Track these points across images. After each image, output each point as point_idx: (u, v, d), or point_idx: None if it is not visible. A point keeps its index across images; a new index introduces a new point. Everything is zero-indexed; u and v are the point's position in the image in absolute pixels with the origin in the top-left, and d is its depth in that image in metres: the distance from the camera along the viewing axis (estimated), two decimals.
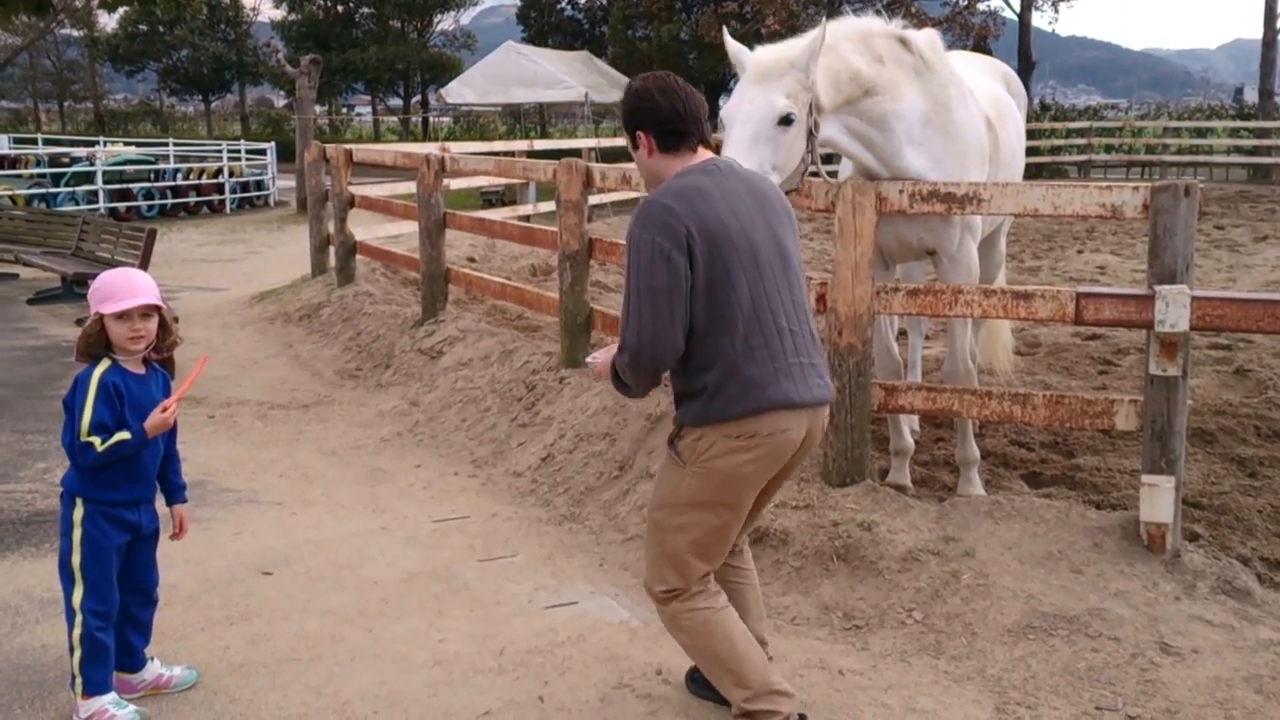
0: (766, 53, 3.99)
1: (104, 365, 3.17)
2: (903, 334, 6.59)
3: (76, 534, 3.17)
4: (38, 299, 10.65)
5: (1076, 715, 3.21)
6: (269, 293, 10.74)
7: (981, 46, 23.97)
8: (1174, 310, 3.73)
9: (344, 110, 58.69)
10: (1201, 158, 24.44)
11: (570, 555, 4.56)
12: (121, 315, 3.13)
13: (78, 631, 3.16)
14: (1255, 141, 24.56)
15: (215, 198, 20.85)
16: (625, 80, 26.69)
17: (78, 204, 17.59)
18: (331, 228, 10.13)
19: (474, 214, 9.20)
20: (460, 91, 24.86)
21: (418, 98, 50.08)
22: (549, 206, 13.22)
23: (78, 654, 3.17)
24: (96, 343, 3.17)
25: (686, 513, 2.96)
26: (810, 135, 4.00)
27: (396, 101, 52.06)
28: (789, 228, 3.04)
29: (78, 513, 3.18)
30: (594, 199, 13.88)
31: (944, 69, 4.57)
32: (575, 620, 3.91)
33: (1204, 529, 4.52)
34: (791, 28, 20.33)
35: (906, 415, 5.11)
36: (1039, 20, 30.43)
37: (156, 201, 19.67)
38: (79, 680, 3.18)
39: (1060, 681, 3.36)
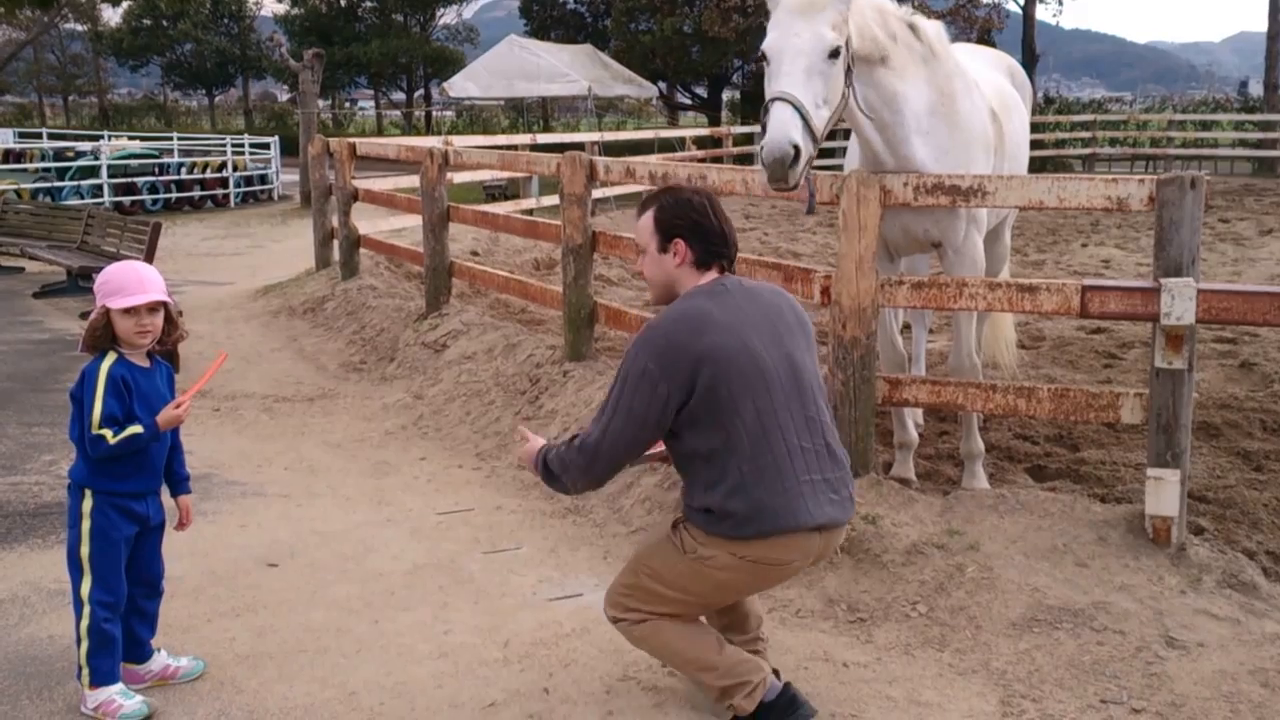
0: None
1: (111, 358, 3.18)
2: (906, 327, 6.58)
3: (85, 525, 3.18)
4: (43, 293, 10.68)
5: (1081, 708, 3.21)
6: (273, 286, 10.74)
7: (986, 39, 23.91)
8: (1180, 303, 3.72)
9: (347, 104, 58.64)
10: (1206, 151, 24.40)
11: (574, 548, 4.57)
12: (129, 310, 3.14)
13: (85, 622, 3.18)
14: (1260, 135, 24.47)
15: (219, 192, 20.86)
16: (629, 74, 26.74)
17: (83, 198, 17.60)
18: (335, 221, 10.12)
19: (477, 208, 9.20)
20: (463, 85, 24.78)
21: (420, 92, 50.03)
22: (552, 200, 13.24)
23: (85, 645, 3.18)
24: (103, 336, 3.17)
25: (670, 590, 2.99)
26: (849, 71, 3.96)
27: (399, 95, 52.05)
28: (802, 339, 3.00)
29: (86, 504, 3.19)
30: (597, 193, 13.88)
31: (950, 60, 4.58)
32: (580, 612, 3.92)
33: (1209, 523, 4.52)
34: None
35: (911, 408, 5.11)
36: (1043, 13, 30.41)
37: (161, 195, 19.69)
38: (86, 671, 3.19)
39: (1065, 675, 3.37)
